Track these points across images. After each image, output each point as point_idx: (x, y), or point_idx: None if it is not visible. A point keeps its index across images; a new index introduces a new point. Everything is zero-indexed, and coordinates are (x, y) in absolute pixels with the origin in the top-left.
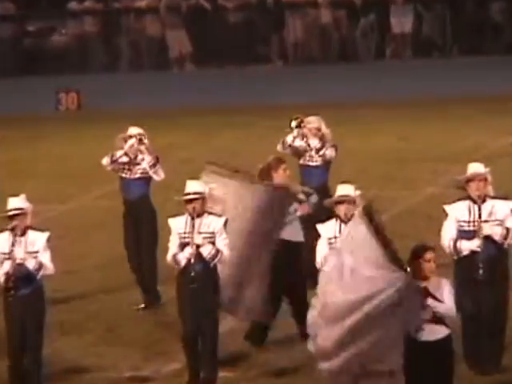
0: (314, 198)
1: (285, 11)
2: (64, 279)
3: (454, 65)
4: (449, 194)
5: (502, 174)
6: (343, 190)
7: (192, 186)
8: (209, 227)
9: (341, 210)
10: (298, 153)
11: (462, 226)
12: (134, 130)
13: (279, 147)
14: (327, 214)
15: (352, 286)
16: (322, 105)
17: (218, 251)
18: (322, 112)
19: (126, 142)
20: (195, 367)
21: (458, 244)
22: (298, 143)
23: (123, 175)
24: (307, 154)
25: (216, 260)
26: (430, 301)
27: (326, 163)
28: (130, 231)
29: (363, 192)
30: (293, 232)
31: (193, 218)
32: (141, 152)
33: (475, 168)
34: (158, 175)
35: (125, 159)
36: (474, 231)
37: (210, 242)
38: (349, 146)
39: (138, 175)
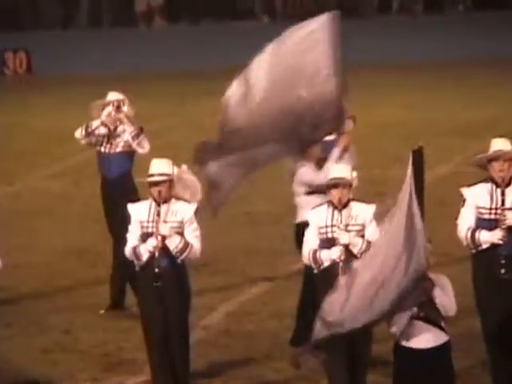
0: None
1: None
2: (8, 275)
3: (471, 22)
4: (466, 175)
5: None
6: (337, 171)
7: (157, 167)
8: (176, 215)
9: (334, 194)
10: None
11: (482, 214)
12: (112, 96)
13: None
14: None
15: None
16: None
17: (186, 244)
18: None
19: (103, 110)
20: (164, 379)
21: (477, 235)
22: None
23: (102, 150)
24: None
25: (184, 254)
26: (436, 291)
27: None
28: (113, 214)
29: (363, 173)
30: None
31: (158, 205)
32: (120, 121)
33: (500, 145)
34: (142, 147)
35: (103, 131)
36: (496, 220)
37: (177, 233)
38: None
39: (119, 149)
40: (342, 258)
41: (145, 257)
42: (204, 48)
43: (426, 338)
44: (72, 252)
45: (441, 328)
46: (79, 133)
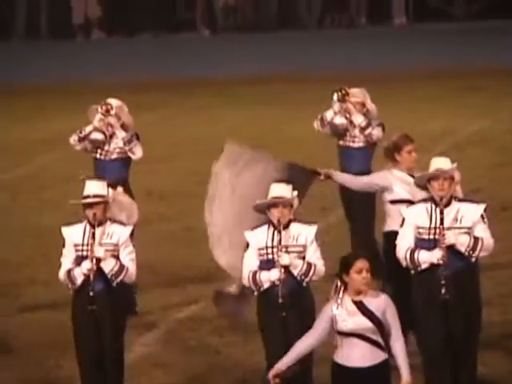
0: None
1: None
2: None
3: (418, 33)
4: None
5: (471, 167)
6: (277, 190)
7: (92, 188)
8: (112, 238)
9: (274, 214)
10: (339, 132)
11: (421, 234)
12: (113, 101)
13: (316, 125)
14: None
15: None
16: (253, 80)
17: (122, 267)
18: (254, 88)
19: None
20: None
21: (416, 255)
22: (339, 121)
23: (97, 156)
24: (349, 134)
25: (120, 278)
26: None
27: (371, 145)
28: None
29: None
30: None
31: (93, 227)
32: (111, 126)
33: (439, 163)
34: (134, 153)
35: (99, 136)
36: (436, 240)
37: (112, 256)
38: (294, 131)
39: (114, 156)
40: (282, 278)
41: (79, 280)
42: (141, 60)
43: (362, 357)
44: (10, 266)
45: (379, 347)
46: (73, 139)
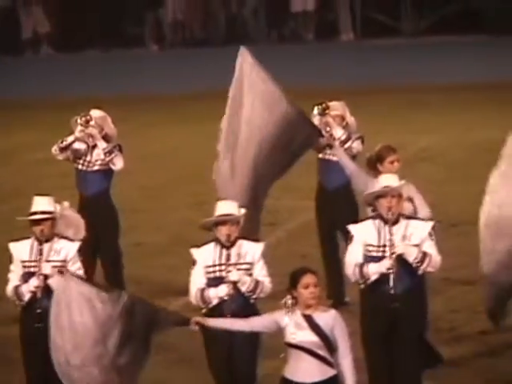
0: None
1: None
2: None
3: (365, 48)
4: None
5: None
6: (224, 208)
7: (40, 204)
8: (59, 254)
9: (222, 232)
10: (318, 146)
11: (370, 252)
12: (95, 112)
13: None
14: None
15: None
16: (205, 95)
17: None
18: (205, 104)
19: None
20: None
21: (365, 268)
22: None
23: (79, 167)
24: (327, 147)
25: None
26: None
27: (351, 158)
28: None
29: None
30: None
31: (40, 243)
32: (93, 137)
33: (387, 181)
34: (114, 164)
35: (81, 146)
36: (384, 257)
37: (60, 273)
38: None
39: (96, 167)
40: (230, 294)
41: (27, 297)
42: (92, 76)
43: (311, 372)
44: None
45: (327, 363)
46: (54, 148)
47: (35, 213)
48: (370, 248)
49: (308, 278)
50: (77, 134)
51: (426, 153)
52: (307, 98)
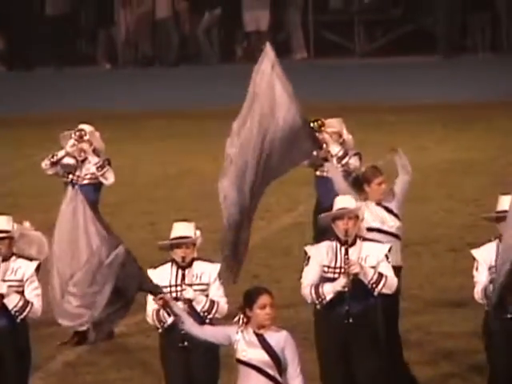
0: None
1: (114, 2)
2: None
3: (318, 67)
4: (310, 225)
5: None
6: (179, 230)
7: None
8: (16, 274)
9: (178, 254)
10: (315, 162)
11: (326, 273)
12: (82, 126)
13: None
14: None
15: None
16: (156, 114)
17: (26, 303)
18: (157, 123)
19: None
20: None
21: (321, 288)
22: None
23: (69, 181)
24: (325, 165)
25: (24, 314)
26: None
27: (348, 174)
28: None
29: (209, 223)
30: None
31: None
32: (84, 152)
33: (343, 203)
34: (106, 178)
35: (70, 161)
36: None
37: (17, 292)
38: (189, 165)
39: (85, 181)
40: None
41: None
42: (41, 95)
43: None
44: None
45: (277, 382)
46: (45, 163)
47: None
48: (326, 269)
49: (265, 299)
50: (68, 148)
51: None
52: None
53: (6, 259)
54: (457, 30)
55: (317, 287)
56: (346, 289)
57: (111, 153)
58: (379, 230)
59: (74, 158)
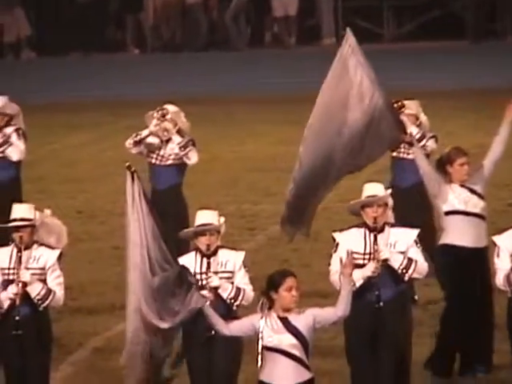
0: None
1: None
2: None
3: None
4: (338, 210)
5: None
6: (204, 217)
7: (19, 211)
8: (38, 262)
9: (202, 242)
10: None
11: (356, 259)
12: (169, 107)
13: None
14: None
15: None
16: (186, 100)
17: (49, 291)
18: (186, 109)
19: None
20: None
21: None
22: None
23: (152, 161)
24: (402, 146)
25: (47, 302)
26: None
27: (426, 157)
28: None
29: (234, 208)
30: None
31: (19, 250)
32: (167, 131)
33: (373, 190)
34: (189, 158)
35: (154, 141)
36: None
37: (39, 280)
38: (217, 151)
39: (169, 161)
40: (212, 300)
41: (5, 304)
42: (73, 80)
43: (287, 375)
44: None
45: (304, 365)
46: (129, 142)
47: (14, 220)
48: (356, 256)
49: (291, 281)
50: (151, 128)
51: None
52: (292, 101)
53: (28, 247)
54: (485, 14)
55: None
56: (376, 275)
57: None
58: (464, 212)
59: (158, 137)
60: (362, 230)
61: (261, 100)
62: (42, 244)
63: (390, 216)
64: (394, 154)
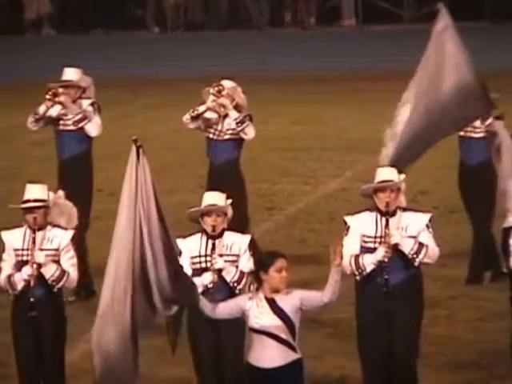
0: None
1: None
2: None
3: (365, 36)
4: (356, 191)
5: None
6: (211, 198)
7: (32, 192)
8: (52, 243)
9: (207, 222)
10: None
11: (367, 242)
12: (225, 83)
13: None
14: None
15: None
16: (206, 79)
17: (63, 272)
18: (204, 88)
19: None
20: None
21: (361, 259)
22: None
23: (210, 136)
24: (470, 125)
25: (61, 283)
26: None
27: (491, 135)
28: None
29: (251, 187)
30: None
31: (33, 232)
32: (224, 107)
33: (386, 175)
34: (246, 134)
35: (212, 116)
36: None
37: (53, 261)
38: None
39: (227, 136)
40: (215, 282)
41: (20, 285)
42: (93, 57)
43: (273, 357)
44: None
45: (291, 347)
46: (186, 117)
47: (28, 200)
48: (367, 239)
49: (282, 262)
50: (209, 103)
51: None
52: (312, 81)
53: (41, 228)
54: None
55: (357, 258)
56: (386, 259)
57: (157, 118)
58: None
59: (217, 112)
60: (373, 214)
61: (283, 79)
62: (55, 225)
63: (403, 200)
64: (462, 133)
